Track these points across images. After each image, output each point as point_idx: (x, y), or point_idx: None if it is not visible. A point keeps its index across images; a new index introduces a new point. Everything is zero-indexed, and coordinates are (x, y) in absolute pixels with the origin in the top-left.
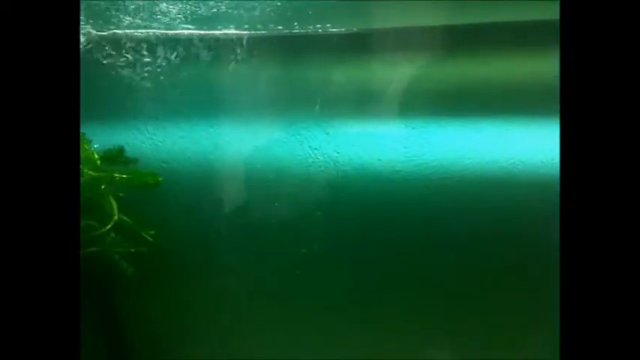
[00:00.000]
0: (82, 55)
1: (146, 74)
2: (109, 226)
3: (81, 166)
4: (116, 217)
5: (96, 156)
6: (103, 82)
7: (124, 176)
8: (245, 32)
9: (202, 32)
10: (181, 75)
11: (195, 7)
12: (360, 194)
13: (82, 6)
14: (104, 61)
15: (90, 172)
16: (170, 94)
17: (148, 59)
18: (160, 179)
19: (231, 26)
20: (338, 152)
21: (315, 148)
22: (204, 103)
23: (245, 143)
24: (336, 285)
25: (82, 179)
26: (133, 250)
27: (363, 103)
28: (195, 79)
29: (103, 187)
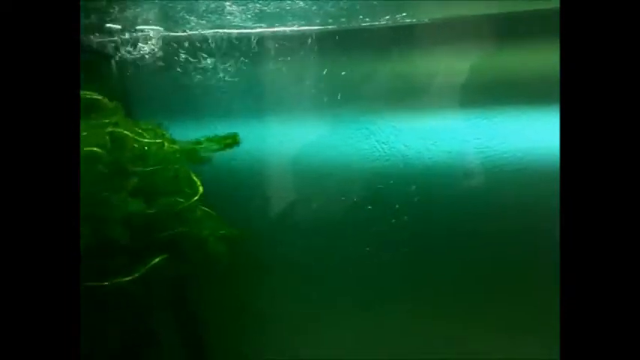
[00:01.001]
0: (155, 56)
1: (216, 73)
2: (196, 197)
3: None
4: (201, 190)
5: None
6: (178, 81)
7: (202, 144)
8: (310, 28)
9: (269, 29)
10: (250, 72)
11: (262, 5)
12: (431, 188)
13: (154, 8)
14: (177, 61)
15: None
16: (240, 92)
17: (218, 58)
18: (239, 140)
19: (297, 23)
20: (406, 146)
21: (383, 143)
22: (273, 99)
23: (312, 138)
24: (402, 279)
25: (162, 152)
26: (223, 232)
27: (432, 95)
28: (262, 76)
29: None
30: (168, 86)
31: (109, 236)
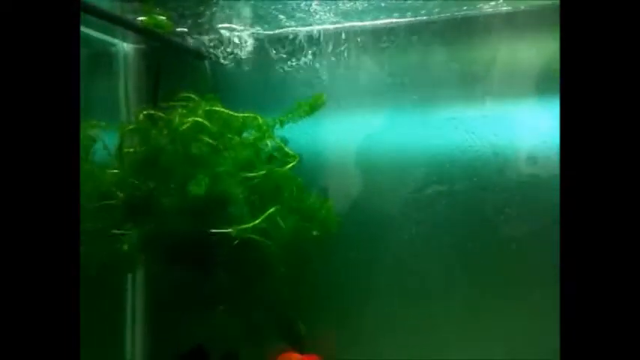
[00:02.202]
0: (250, 55)
1: (308, 68)
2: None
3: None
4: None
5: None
6: (273, 78)
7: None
8: (396, 20)
9: (353, 24)
10: (339, 67)
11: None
12: (523, 179)
13: (249, 8)
14: (272, 59)
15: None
16: (330, 85)
17: (308, 54)
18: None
19: (381, 16)
20: (496, 135)
21: (472, 132)
22: (361, 92)
23: (400, 129)
24: (506, 275)
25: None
26: (315, 233)
27: (521, 83)
28: (350, 70)
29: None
30: (261, 84)
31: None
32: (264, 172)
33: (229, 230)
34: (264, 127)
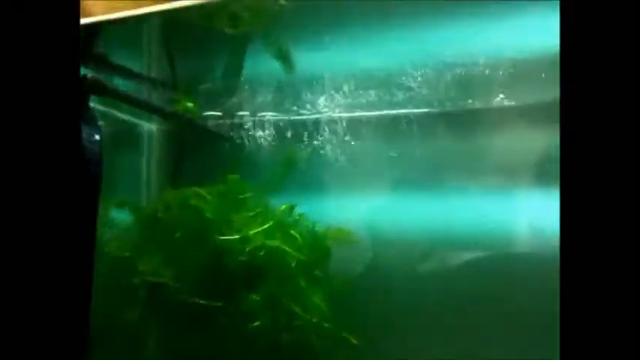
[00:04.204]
0: (268, 137)
1: (322, 151)
2: None
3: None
4: None
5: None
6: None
7: None
8: (410, 111)
9: (366, 113)
10: (353, 151)
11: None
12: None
13: (269, 97)
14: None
15: None
16: (350, 171)
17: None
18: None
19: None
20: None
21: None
22: (380, 176)
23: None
24: None
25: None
26: None
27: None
28: (373, 155)
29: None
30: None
31: None
32: None
33: None
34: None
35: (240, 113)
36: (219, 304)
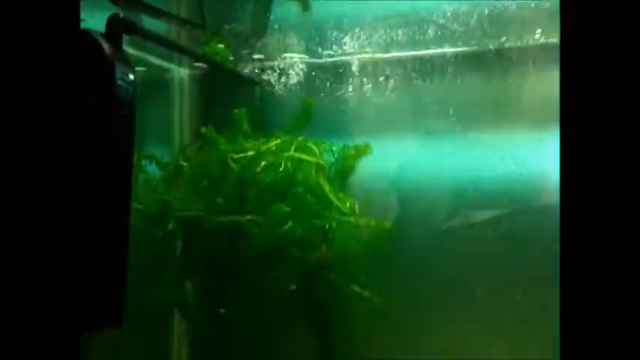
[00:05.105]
0: (298, 82)
1: (351, 95)
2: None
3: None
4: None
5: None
6: (318, 104)
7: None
8: (445, 50)
9: (396, 54)
10: (382, 94)
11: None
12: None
13: (299, 39)
14: (319, 86)
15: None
16: (378, 113)
17: (353, 81)
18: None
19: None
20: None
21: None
22: (409, 120)
23: (446, 159)
24: None
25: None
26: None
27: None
28: (400, 98)
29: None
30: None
31: None
32: None
33: None
34: None
35: (269, 56)
36: (248, 217)
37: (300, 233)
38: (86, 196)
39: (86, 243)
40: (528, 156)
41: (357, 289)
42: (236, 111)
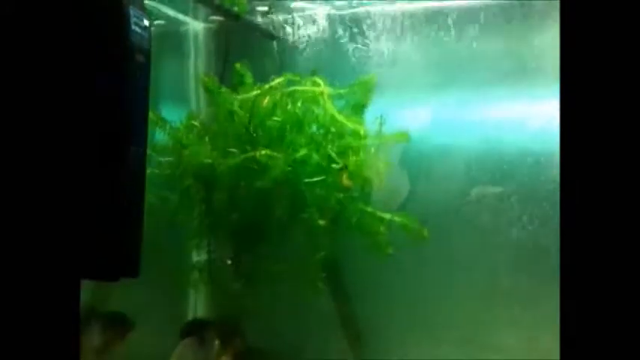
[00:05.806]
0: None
1: (376, 48)
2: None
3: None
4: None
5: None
6: (340, 57)
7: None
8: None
9: (423, 4)
10: (408, 47)
11: None
12: None
13: None
14: (341, 38)
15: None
16: (396, 65)
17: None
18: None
19: None
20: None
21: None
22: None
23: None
24: None
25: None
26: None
27: None
28: (418, 51)
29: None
30: (327, 63)
31: None
32: None
33: None
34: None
35: (289, 6)
36: (263, 151)
37: (316, 159)
38: (101, 141)
39: (102, 189)
40: None
41: (387, 215)
42: (237, 65)
